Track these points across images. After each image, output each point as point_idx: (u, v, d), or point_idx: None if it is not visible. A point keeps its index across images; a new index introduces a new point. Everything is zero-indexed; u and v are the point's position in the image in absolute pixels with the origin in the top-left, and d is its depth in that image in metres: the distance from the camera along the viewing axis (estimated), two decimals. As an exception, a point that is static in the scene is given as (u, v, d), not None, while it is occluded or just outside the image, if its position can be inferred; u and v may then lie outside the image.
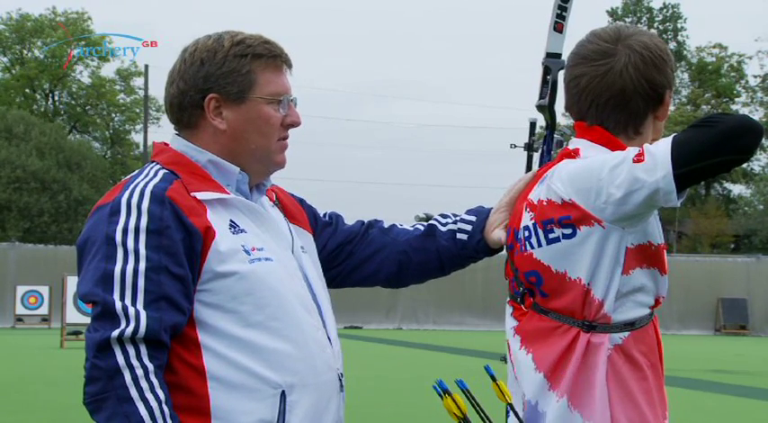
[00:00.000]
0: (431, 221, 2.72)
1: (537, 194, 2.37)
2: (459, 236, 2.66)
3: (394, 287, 2.78)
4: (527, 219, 2.37)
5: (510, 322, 2.41)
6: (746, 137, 2.11)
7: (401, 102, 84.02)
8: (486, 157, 71.15)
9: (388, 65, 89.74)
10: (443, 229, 2.68)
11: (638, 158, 2.17)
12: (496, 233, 2.57)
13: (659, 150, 2.16)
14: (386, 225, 2.73)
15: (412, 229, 2.71)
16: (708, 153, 2.12)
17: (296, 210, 2.60)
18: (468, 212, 2.70)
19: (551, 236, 2.30)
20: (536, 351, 2.31)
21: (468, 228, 2.66)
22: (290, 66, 2.45)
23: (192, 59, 2.38)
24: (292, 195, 2.66)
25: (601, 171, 2.22)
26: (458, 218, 2.69)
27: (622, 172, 2.19)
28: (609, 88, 2.33)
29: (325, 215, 2.71)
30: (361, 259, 2.68)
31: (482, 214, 2.66)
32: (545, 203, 2.32)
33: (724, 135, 2.11)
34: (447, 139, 74.43)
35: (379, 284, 2.75)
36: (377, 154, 69.41)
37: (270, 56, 2.40)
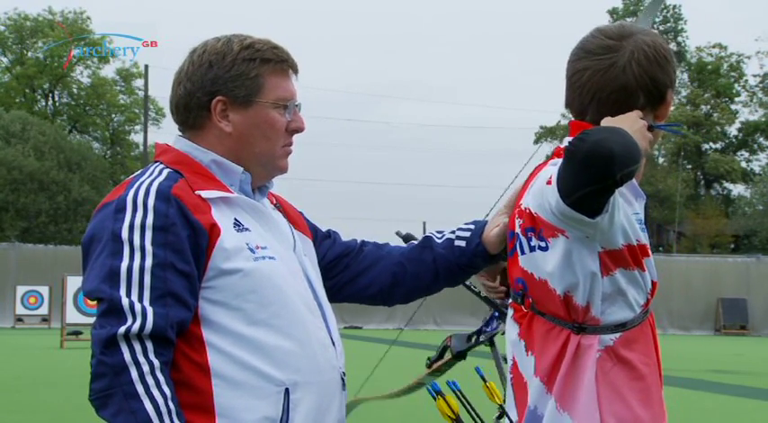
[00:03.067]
0: (427, 234, 2.74)
1: (524, 201, 2.38)
2: (457, 243, 2.67)
3: (384, 304, 2.77)
4: (517, 225, 2.39)
5: (512, 328, 2.41)
6: (596, 167, 2.04)
7: (406, 103, 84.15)
8: (490, 158, 71.27)
9: (394, 66, 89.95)
10: (440, 240, 2.70)
11: (549, 181, 2.19)
12: (495, 231, 2.58)
13: (554, 177, 2.16)
14: (381, 243, 2.76)
15: (407, 245, 2.74)
16: (576, 186, 2.09)
17: (296, 216, 2.63)
18: (466, 223, 2.72)
19: (531, 244, 2.32)
20: (537, 355, 2.31)
21: (467, 234, 2.67)
22: (296, 71, 2.47)
23: (200, 61, 2.39)
24: (292, 205, 2.68)
25: (542, 188, 2.24)
26: (455, 229, 2.71)
27: (545, 191, 2.20)
28: (611, 83, 2.33)
29: (324, 230, 2.74)
30: (356, 272, 2.70)
31: (480, 222, 2.68)
32: (527, 212, 2.34)
33: (578, 169, 2.07)
34: (451, 140, 74.58)
35: (369, 301, 2.74)
36: (381, 154, 69.45)
37: (278, 61, 2.41)
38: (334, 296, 2.70)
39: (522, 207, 2.37)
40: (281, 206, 2.57)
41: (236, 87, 2.37)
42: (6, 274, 28.05)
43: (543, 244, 2.28)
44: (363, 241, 2.76)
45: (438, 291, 2.75)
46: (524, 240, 2.34)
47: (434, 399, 2.34)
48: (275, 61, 2.40)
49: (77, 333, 19.81)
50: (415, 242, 2.72)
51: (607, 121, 2.26)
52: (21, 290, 26.47)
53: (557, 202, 2.15)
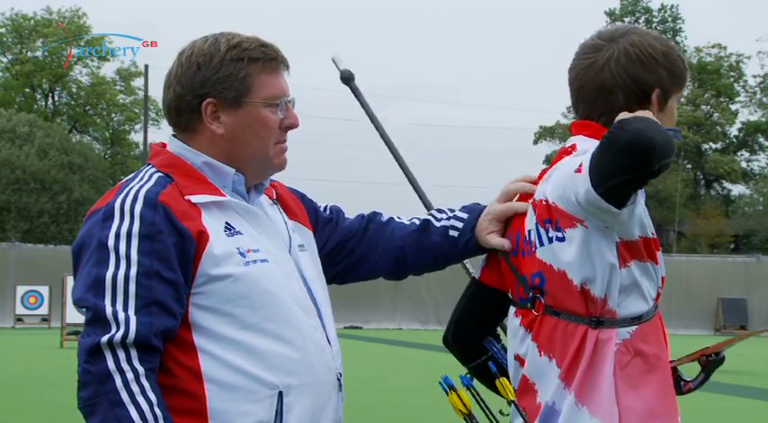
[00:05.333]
0: (426, 216, 2.71)
1: (539, 193, 2.38)
2: (451, 233, 2.65)
3: (393, 279, 2.78)
4: (533, 219, 2.38)
5: (522, 333, 2.39)
6: (637, 156, 2.06)
7: (410, 104, 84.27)
8: (492, 158, 71.40)
9: (399, 67, 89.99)
10: (438, 224, 2.67)
11: (579, 169, 2.19)
12: (494, 239, 2.55)
13: (585, 165, 2.16)
14: (385, 218, 2.72)
15: (408, 223, 2.71)
16: (612, 173, 2.09)
17: (296, 206, 2.60)
18: (463, 209, 2.69)
19: (549, 235, 2.32)
20: (558, 356, 2.31)
21: (460, 225, 2.65)
22: (287, 67, 2.44)
23: (188, 63, 2.37)
24: (293, 191, 2.65)
25: (568, 177, 2.24)
26: (452, 214, 2.69)
27: (573, 179, 2.21)
28: (591, 81, 2.38)
29: (326, 209, 2.71)
30: (360, 256, 2.67)
31: (474, 212, 2.65)
32: (543, 203, 2.34)
33: (617, 157, 2.08)
34: (453, 141, 74.70)
35: (380, 277, 2.74)
36: (383, 155, 69.38)
37: (266, 59, 2.38)
38: (344, 279, 2.71)
39: (537, 199, 2.37)
40: (278, 202, 2.55)
41: (225, 89, 2.34)
42: (6, 274, 28.04)
43: (560, 235, 2.28)
44: (369, 217, 2.72)
45: (443, 268, 2.73)
46: (542, 232, 2.33)
47: (447, 393, 2.34)
48: (264, 60, 2.38)
49: (77, 333, 19.79)
50: (417, 223, 2.69)
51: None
52: (21, 290, 26.45)
53: (586, 191, 2.15)
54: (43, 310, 26.45)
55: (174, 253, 2.21)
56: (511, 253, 2.48)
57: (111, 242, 2.21)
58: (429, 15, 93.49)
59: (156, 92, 44.01)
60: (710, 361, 2.48)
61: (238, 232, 2.31)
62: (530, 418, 2.34)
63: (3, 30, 51.47)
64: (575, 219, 2.24)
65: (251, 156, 2.39)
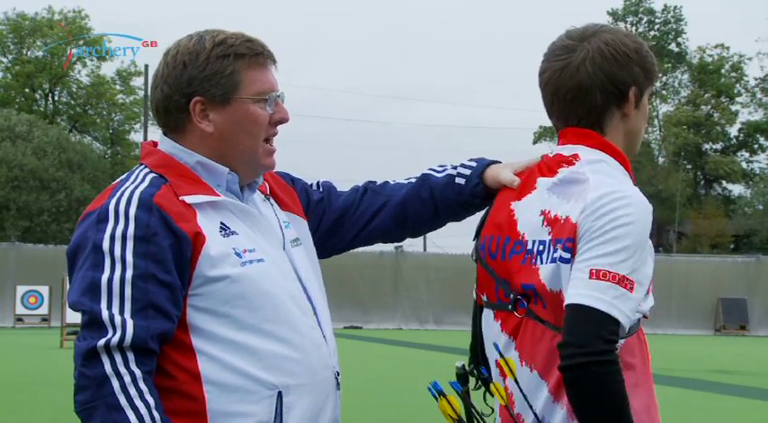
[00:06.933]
0: (425, 171, 2.69)
1: (554, 208, 2.31)
2: (457, 180, 2.62)
3: (395, 240, 2.76)
4: (544, 233, 2.31)
5: (504, 339, 2.36)
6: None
7: (413, 104, 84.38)
8: (497, 158, 71.57)
9: (402, 68, 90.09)
10: (440, 175, 2.64)
11: (594, 276, 2.15)
12: (504, 173, 2.50)
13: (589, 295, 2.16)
14: (379, 183, 2.71)
15: (406, 181, 2.69)
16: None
17: (287, 196, 2.58)
18: (470, 160, 2.66)
19: (554, 255, 2.26)
20: (539, 365, 2.28)
21: (467, 172, 2.61)
22: (274, 61, 2.42)
23: (174, 63, 2.35)
24: (282, 175, 2.64)
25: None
26: (458, 165, 2.66)
27: (583, 273, 2.17)
28: (567, 82, 2.34)
29: (317, 187, 2.69)
30: (359, 226, 2.66)
31: (484, 161, 2.63)
32: (562, 221, 2.27)
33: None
34: (458, 141, 74.80)
35: (380, 241, 2.73)
36: (386, 155, 69.61)
37: (252, 54, 2.36)
38: (346, 248, 2.70)
39: (552, 215, 2.30)
40: (270, 196, 2.53)
41: (212, 86, 2.32)
42: (6, 274, 28.05)
43: (567, 256, 2.24)
44: (365, 187, 2.70)
45: (443, 225, 2.71)
46: (552, 250, 2.27)
47: (436, 399, 2.30)
48: (250, 55, 2.35)
49: (77, 333, 19.76)
50: (414, 180, 2.67)
51: None
52: (21, 290, 26.47)
53: (566, 303, 2.17)
54: (43, 310, 26.46)
55: (170, 255, 2.20)
56: (489, 255, 2.42)
57: (105, 245, 2.19)
58: (430, 16, 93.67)
59: (156, 92, 43.91)
60: None
61: (234, 232, 2.30)
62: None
63: (3, 28, 51.43)
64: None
65: (241, 153, 2.37)
